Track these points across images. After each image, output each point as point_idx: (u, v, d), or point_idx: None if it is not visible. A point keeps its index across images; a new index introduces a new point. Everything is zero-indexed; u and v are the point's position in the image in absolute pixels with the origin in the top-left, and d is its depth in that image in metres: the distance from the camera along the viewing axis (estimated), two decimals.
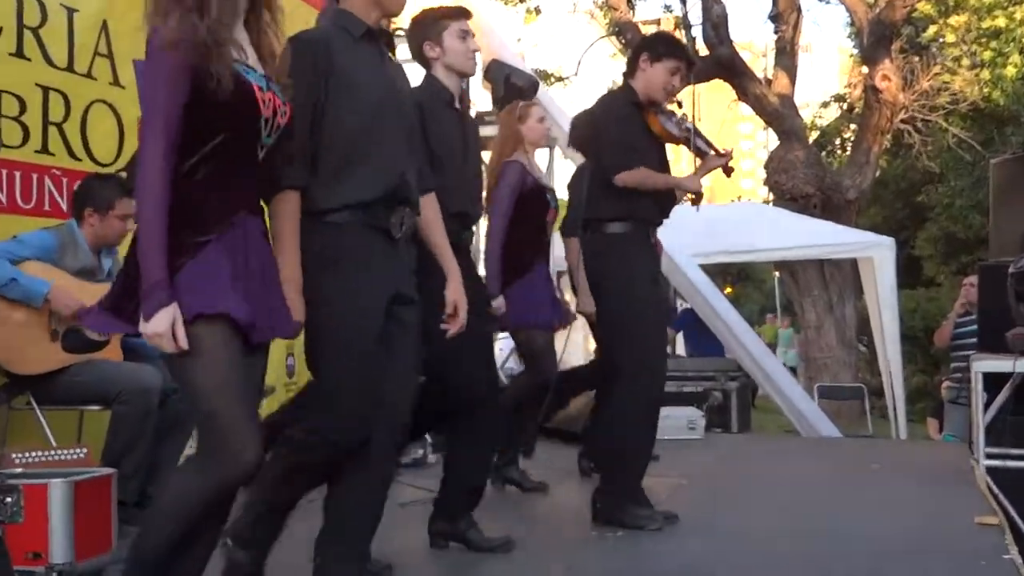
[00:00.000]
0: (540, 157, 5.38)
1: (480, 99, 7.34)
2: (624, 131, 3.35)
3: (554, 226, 4.20)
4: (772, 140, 12.88)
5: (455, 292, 2.47)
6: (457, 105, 3.09)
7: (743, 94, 11.79)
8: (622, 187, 3.31)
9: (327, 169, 2.15)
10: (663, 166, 3.52)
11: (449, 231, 2.79)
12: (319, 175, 2.14)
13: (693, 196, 3.51)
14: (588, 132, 3.60)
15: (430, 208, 2.47)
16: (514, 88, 5.59)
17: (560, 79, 13.80)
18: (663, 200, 3.50)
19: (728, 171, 3.54)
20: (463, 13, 3.08)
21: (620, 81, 3.58)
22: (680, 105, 3.55)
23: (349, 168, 2.17)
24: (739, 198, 27.37)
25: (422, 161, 2.44)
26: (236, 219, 1.76)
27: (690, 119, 3.55)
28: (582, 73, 12.83)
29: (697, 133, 3.54)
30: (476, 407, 2.91)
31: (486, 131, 5.85)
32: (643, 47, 3.46)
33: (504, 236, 3.86)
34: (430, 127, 2.92)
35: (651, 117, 3.43)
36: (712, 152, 3.55)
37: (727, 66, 11.44)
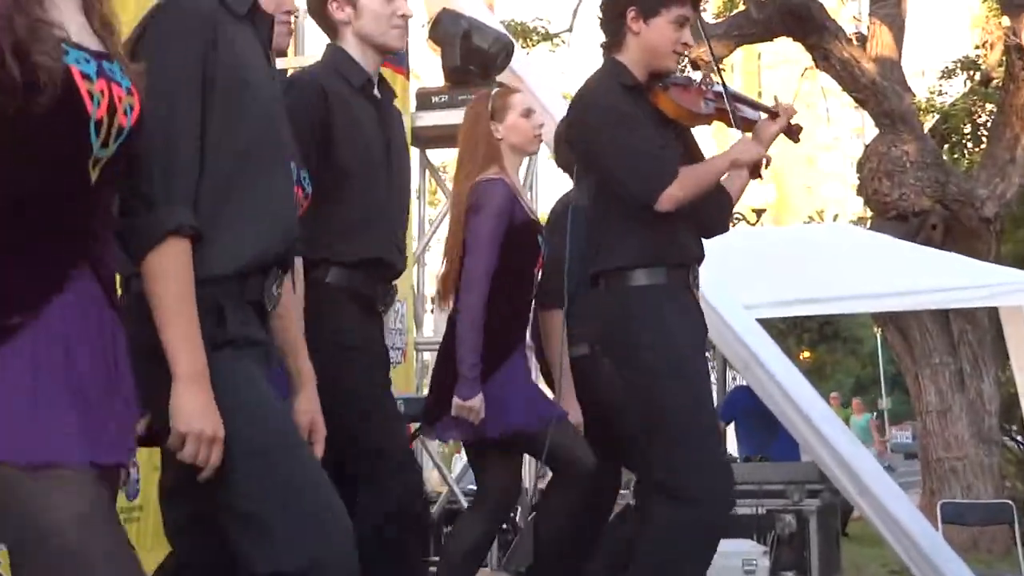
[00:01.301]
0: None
1: (424, 69, 7.42)
2: (634, 131, 3.41)
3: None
4: (868, 127, 13.05)
5: (306, 405, 2.49)
6: (376, 93, 3.17)
7: (823, 59, 11.94)
8: (658, 214, 3.37)
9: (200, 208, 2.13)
10: (694, 159, 3.61)
11: (360, 290, 2.91)
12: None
13: (751, 168, 3.55)
14: (580, 148, 3.67)
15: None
16: (476, 53, 5.64)
17: (547, 38, 13.95)
18: (707, 221, 3.58)
19: (794, 133, 3.63)
20: None
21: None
22: (696, 66, 3.66)
23: (230, 211, 2.17)
24: (819, 214, 27.70)
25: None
26: (62, 285, 1.75)
27: (716, 78, 3.62)
28: (579, 29, 12.99)
29: (733, 96, 3.63)
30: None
31: (431, 118, 5.93)
32: (625, 1, 3.54)
33: (487, 295, 3.89)
34: (337, 125, 3.00)
35: (659, 96, 3.52)
36: (762, 115, 3.65)
37: (799, 17, 11.60)
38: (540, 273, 4.16)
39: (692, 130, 3.74)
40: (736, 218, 19.30)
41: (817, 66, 12.25)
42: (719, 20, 12.35)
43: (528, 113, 4.13)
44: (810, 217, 27.25)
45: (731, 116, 3.52)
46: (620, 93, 3.48)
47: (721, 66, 3.65)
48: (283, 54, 3.11)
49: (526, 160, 5.92)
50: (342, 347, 2.94)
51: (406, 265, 3.28)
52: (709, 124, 3.68)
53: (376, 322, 3.20)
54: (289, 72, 5.79)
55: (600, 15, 3.67)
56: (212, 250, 2.12)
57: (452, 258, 4.05)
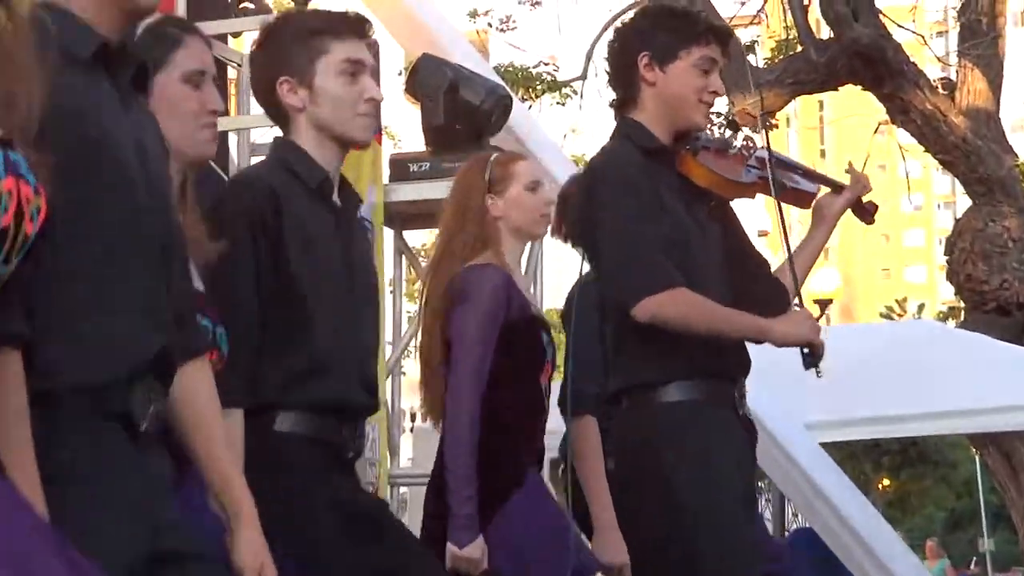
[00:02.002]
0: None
1: (402, 127, 7.44)
2: (640, 217, 3.43)
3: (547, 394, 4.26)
4: (960, 196, 13.10)
5: (249, 548, 2.49)
6: (336, 198, 3.18)
7: (901, 112, 12.01)
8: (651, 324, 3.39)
9: (45, 316, 2.11)
10: (730, 237, 3.65)
11: (323, 436, 2.94)
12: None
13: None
14: (584, 235, 3.69)
15: (198, 383, 2.46)
16: (464, 109, 5.66)
17: (554, 87, 14.05)
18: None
19: (867, 213, 3.73)
20: (358, 26, 3.18)
21: None
22: (734, 127, 3.71)
23: (79, 317, 2.17)
24: (901, 305, 27.80)
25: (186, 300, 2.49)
26: None
27: (760, 140, 3.65)
28: (594, 76, 13.07)
29: (781, 163, 3.69)
30: None
31: (408, 191, 5.93)
32: (635, 47, 3.60)
33: (479, 406, 3.85)
34: (289, 236, 3.01)
35: (687, 161, 3.55)
36: (819, 188, 3.73)
37: (870, 60, 11.68)
38: (549, 380, 4.13)
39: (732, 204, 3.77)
40: None
41: (893, 120, 12.30)
42: (772, 64, 12.42)
43: (535, 186, 4.11)
44: (888, 308, 27.37)
45: (771, 185, 3.53)
46: (640, 161, 3.50)
47: (773, 120, 3.73)
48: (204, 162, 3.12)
49: (528, 246, 5.93)
50: (301, 509, 2.90)
51: (379, 405, 3.27)
52: (752, 197, 3.70)
53: (346, 472, 3.16)
54: (229, 134, 5.83)
55: (608, 68, 3.70)
56: (53, 358, 2.10)
57: (429, 365, 4.06)
